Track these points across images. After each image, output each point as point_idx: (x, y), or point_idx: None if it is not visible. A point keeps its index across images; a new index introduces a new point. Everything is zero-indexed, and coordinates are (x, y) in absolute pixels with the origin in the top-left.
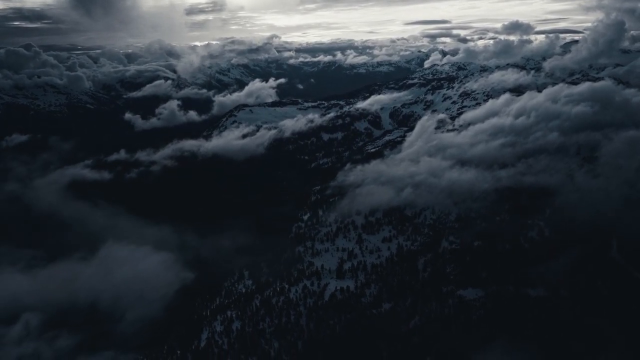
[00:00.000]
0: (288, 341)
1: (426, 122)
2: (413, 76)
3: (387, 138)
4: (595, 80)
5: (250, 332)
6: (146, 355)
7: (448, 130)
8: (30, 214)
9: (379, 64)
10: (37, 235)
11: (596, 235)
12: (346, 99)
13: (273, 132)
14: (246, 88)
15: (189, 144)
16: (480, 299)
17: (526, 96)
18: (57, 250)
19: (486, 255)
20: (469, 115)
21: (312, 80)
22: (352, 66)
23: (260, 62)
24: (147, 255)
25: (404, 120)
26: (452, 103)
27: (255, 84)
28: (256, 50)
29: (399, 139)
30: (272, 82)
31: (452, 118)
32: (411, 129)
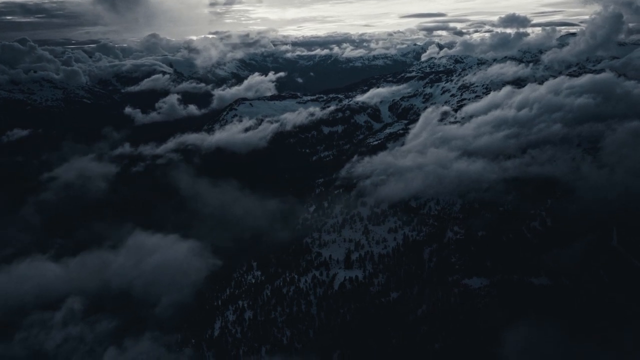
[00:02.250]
0: (300, 330)
1: (430, 114)
2: (411, 69)
3: (388, 131)
4: (592, 72)
5: (263, 321)
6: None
7: (450, 123)
8: (45, 206)
9: (375, 57)
10: (58, 225)
11: (598, 225)
12: (345, 92)
13: (275, 125)
14: (245, 82)
15: (192, 137)
16: (485, 287)
17: (528, 88)
18: (85, 240)
19: (490, 245)
20: (470, 107)
21: (311, 73)
22: (348, 60)
23: (256, 56)
24: (174, 243)
25: (403, 113)
26: (451, 96)
27: (255, 78)
28: (253, 43)
29: (400, 131)
30: (271, 75)
31: (455, 110)
32: (411, 121)
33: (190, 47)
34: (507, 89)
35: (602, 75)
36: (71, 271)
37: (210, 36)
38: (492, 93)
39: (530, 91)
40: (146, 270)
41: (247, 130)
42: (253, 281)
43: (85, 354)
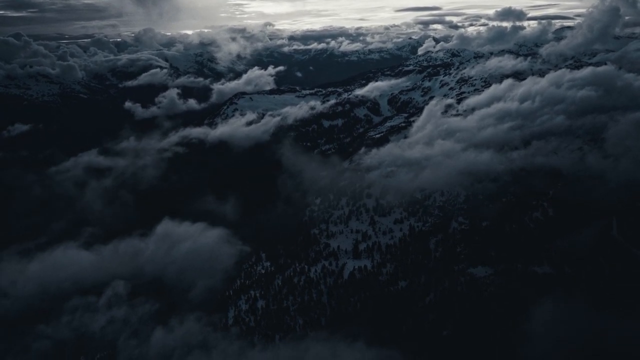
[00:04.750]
0: (312, 318)
1: (434, 106)
2: (408, 63)
3: (389, 124)
4: (589, 66)
5: (275, 309)
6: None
7: (453, 115)
8: (70, 197)
9: (371, 51)
10: (86, 215)
11: (599, 215)
12: (343, 86)
13: (277, 119)
14: (245, 76)
15: (195, 131)
16: (490, 276)
17: (529, 81)
18: (113, 228)
19: (494, 235)
20: (472, 100)
21: (310, 68)
22: (344, 54)
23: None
24: (202, 231)
25: (403, 106)
26: (449, 89)
27: (255, 72)
28: (249, 38)
29: (402, 124)
30: (270, 69)
31: (457, 102)
32: (411, 115)
33: (209, 42)
34: (508, 81)
35: (603, 67)
36: (105, 258)
37: (206, 30)
38: (493, 86)
39: (532, 84)
40: (178, 257)
41: (249, 124)
42: (263, 272)
43: (131, 334)
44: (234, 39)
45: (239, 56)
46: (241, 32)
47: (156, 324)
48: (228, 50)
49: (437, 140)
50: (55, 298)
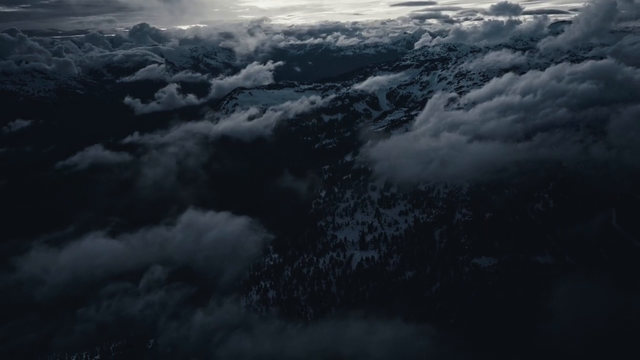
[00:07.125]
0: (322, 307)
1: (437, 100)
2: (405, 57)
3: (389, 118)
4: (586, 60)
5: (286, 300)
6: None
7: (454, 109)
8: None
9: (366, 46)
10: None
11: (600, 206)
12: (341, 81)
13: (278, 114)
14: (243, 71)
15: (198, 126)
16: (494, 266)
17: (530, 75)
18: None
19: (497, 226)
20: (473, 94)
21: (309, 62)
22: (339, 48)
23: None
24: (227, 220)
25: (401, 101)
26: (448, 84)
27: (254, 67)
28: (246, 33)
29: (403, 118)
30: (270, 64)
31: (459, 95)
32: (411, 109)
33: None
34: (509, 75)
35: (603, 61)
36: (134, 247)
37: (202, 26)
38: (494, 79)
39: (533, 78)
40: (205, 246)
41: (250, 119)
42: (272, 263)
43: (171, 317)
44: (252, 34)
45: (256, 50)
46: (262, 27)
47: (194, 307)
48: (246, 45)
49: (443, 132)
50: (89, 285)
